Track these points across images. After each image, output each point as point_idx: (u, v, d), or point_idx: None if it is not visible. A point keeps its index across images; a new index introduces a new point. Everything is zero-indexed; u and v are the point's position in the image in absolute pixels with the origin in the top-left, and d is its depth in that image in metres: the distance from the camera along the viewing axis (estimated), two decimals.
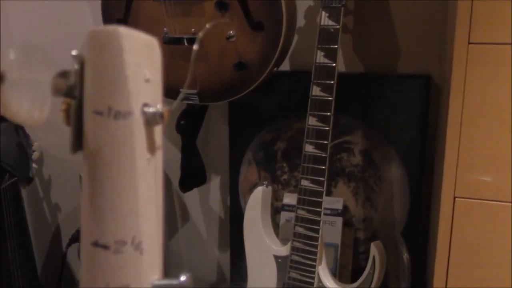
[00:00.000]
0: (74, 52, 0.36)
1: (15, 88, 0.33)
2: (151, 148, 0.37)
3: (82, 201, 0.36)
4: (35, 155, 1.46)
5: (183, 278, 0.37)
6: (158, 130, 0.38)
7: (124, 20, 1.22)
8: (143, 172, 0.36)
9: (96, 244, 0.35)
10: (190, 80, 1.19)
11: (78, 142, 0.35)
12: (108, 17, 1.25)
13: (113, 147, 0.35)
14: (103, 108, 0.34)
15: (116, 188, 0.35)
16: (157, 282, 0.37)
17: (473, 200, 0.80)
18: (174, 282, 0.37)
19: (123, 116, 0.35)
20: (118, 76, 0.34)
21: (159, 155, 0.38)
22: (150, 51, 0.37)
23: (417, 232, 1.29)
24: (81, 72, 0.35)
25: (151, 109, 0.36)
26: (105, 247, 0.35)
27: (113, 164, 0.35)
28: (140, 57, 0.36)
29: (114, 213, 0.35)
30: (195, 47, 1.13)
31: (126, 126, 0.35)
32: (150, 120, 0.36)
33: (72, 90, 0.35)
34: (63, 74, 0.35)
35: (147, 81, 0.36)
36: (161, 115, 0.36)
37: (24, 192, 1.62)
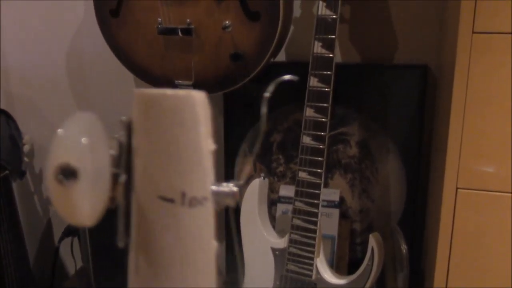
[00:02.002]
0: (123, 118, 0.28)
1: (88, 184, 0.25)
2: (216, 233, 0.30)
3: None
4: (26, 148, 1.44)
5: None
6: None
7: (117, 10, 1.20)
8: (215, 264, 0.29)
9: None
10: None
11: (128, 231, 0.28)
12: (101, 7, 1.22)
13: (189, 239, 0.28)
14: (175, 194, 0.27)
15: None
16: None
17: (475, 191, 0.79)
18: None
19: (200, 202, 0.28)
20: (194, 153, 0.28)
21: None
22: (207, 112, 0.30)
23: (414, 222, 1.29)
24: (128, 142, 0.28)
25: (222, 189, 0.30)
26: None
27: (188, 260, 0.28)
28: (207, 123, 0.29)
29: None
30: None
31: (203, 214, 0.28)
32: (220, 202, 0.30)
33: (116, 164, 0.27)
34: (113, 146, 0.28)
35: (211, 152, 0.30)
36: (233, 195, 0.30)
37: (15, 186, 1.59)
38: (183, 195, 0.28)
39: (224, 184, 0.30)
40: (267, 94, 0.43)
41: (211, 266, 0.29)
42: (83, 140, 0.25)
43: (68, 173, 0.24)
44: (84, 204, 0.25)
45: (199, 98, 0.29)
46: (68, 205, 0.25)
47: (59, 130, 0.25)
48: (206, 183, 0.28)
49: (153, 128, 0.27)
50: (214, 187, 0.29)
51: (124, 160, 0.28)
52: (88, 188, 0.25)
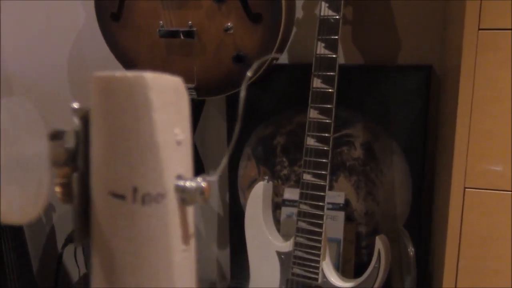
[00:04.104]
0: (75, 105, 0.25)
1: (9, 176, 0.21)
2: (186, 235, 0.27)
3: None
4: None
5: None
6: (191, 210, 0.27)
7: (118, 14, 1.19)
8: (179, 270, 0.26)
9: None
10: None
11: (85, 230, 0.25)
12: (102, 11, 1.22)
13: (141, 241, 0.24)
14: (126, 190, 0.24)
15: None
16: None
17: (483, 191, 0.78)
18: None
19: (155, 199, 0.25)
20: (146, 144, 0.24)
21: (194, 241, 0.28)
22: (178, 99, 0.27)
23: (421, 224, 1.27)
24: (85, 133, 0.25)
25: (189, 184, 0.26)
26: None
27: (141, 264, 0.24)
28: (170, 111, 0.26)
29: None
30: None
31: (159, 213, 0.25)
32: (186, 199, 0.26)
33: (72, 157, 0.25)
34: (59, 135, 0.24)
35: (179, 143, 0.27)
36: (202, 191, 0.26)
37: None
38: (135, 191, 0.24)
39: (192, 178, 0.26)
40: (249, 73, 0.41)
41: (172, 273, 0.25)
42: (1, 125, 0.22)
43: None
44: (6, 200, 0.21)
45: (153, 81, 0.24)
46: None
47: None
48: (163, 178, 0.25)
49: (105, 116, 0.24)
50: (179, 182, 0.26)
51: (81, 153, 0.24)
52: (10, 181, 0.21)
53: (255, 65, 0.40)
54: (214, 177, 0.27)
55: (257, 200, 1.16)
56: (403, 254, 1.22)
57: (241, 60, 1.12)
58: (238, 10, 1.09)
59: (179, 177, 0.26)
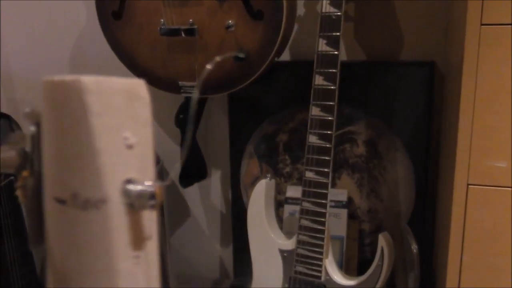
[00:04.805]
0: (27, 109, 0.25)
1: None
2: (139, 241, 0.26)
3: None
4: None
5: None
6: (148, 214, 0.26)
7: (119, 12, 1.19)
8: (127, 278, 0.25)
9: None
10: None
11: (39, 233, 0.25)
12: (103, 9, 1.21)
13: (82, 247, 0.24)
14: (66, 195, 0.24)
15: None
16: None
17: (487, 187, 0.77)
18: None
19: (94, 205, 0.24)
20: (85, 149, 0.23)
21: (152, 246, 0.27)
22: (132, 102, 0.25)
23: (423, 222, 1.27)
24: (38, 136, 0.24)
25: (136, 188, 0.25)
26: None
27: (83, 270, 0.24)
28: (118, 115, 0.24)
29: None
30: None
31: (100, 219, 0.24)
32: (135, 204, 0.25)
33: (28, 161, 0.24)
34: (15, 139, 0.24)
35: (130, 147, 0.26)
36: (151, 196, 0.25)
37: None
38: (75, 196, 0.24)
39: (142, 183, 0.25)
40: (209, 66, 0.40)
41: (117, 279, 0.24)
42: None
43: None
44: None
45: (93, 85, 0.23)
46: None
47: None
48: (104, 184, 0.24)
49: (49, 120, 0.24)
50: (127, 187, 0.25)
51: (36, 157, 0.24)
52: None
53: (218, 59, 0.40)
54: (165, 182, 0.26)
55: (259, 198, 1.15)
56: (407, 251, 1.22)
57: (243, 58, 1.11)
58: (239, 8, 1.09)
59: (128, 181, 0.25)
